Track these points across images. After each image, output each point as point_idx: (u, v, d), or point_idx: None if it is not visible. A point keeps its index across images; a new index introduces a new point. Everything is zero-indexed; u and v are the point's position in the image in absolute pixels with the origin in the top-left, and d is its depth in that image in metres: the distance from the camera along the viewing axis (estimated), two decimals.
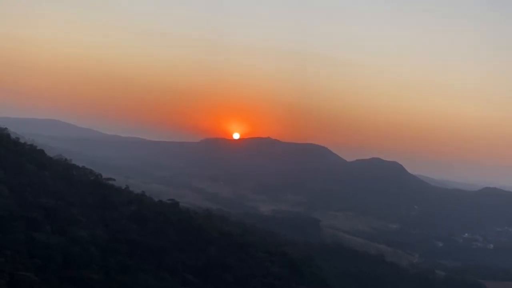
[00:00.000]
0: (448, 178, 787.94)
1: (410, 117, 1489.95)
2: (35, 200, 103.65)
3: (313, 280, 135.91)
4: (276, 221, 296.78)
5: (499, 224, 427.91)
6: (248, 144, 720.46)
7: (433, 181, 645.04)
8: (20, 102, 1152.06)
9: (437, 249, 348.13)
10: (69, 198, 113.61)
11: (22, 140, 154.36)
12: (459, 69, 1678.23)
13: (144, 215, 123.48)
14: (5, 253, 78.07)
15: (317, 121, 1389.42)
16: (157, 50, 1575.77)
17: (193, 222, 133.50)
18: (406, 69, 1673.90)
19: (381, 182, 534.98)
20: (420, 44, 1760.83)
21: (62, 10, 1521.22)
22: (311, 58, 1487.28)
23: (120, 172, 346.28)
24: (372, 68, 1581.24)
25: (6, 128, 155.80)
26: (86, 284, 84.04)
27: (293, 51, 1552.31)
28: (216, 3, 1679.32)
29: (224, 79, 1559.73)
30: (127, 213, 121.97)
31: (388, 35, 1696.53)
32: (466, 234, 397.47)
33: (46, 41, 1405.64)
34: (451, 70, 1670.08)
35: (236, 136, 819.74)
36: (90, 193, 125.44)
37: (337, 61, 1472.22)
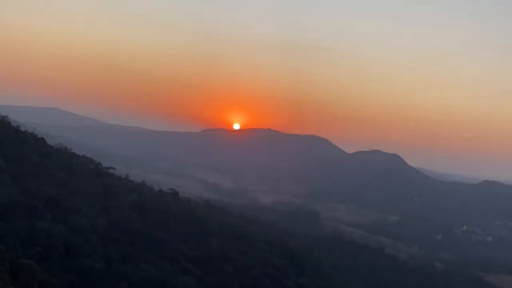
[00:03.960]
0: (448, 171, 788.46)
1: (411, 109, 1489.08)
2: (36, 189, 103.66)
3: (313, 272, 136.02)
4: (277, 212, 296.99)
5: (498, 217, 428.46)
6: (248, 135, 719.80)
7: (433, 174, 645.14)
8: (21, 90, 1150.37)
9: (436, 241, 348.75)
10: (70, 187, 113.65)
11: (23, 129, 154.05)
12: (459, 63, 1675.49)
13: (145, 205, 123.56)
14: (7, 241, 78.21)
15: (317, 112, 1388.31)
16: (159, 40, 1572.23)
17: (194, 213, 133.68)
18: (407, 62, 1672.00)
19: (381, 174, 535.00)
20: (420, 36, 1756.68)
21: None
22: (312, 49, 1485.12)
23: (121, 162, 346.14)
24: (373, 60, 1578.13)
25: (6, 116, 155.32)
26: (87, 273, 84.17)
27: (293, 42, 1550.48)
28: None
29: (225, 70, 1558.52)
30: (128, 202, 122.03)
31: (388, 26, 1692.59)
32: (465, 227, 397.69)
33: (49, 30, 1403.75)
34: (452, 64, 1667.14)
35: (236, 126, 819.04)
36: (92, 183, 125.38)
37: (338, 53, 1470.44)
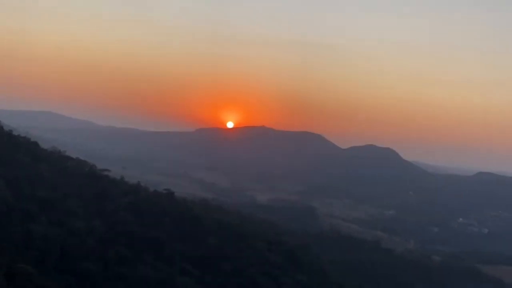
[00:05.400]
0: (443, 163, 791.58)
1: (404, 104, 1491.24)
2: (31, 193, 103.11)
3: (311, 268, 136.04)
4: (273, 210, 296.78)
5: (493, 208, 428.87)
6: (242, 133, 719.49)
7: (428, 167, 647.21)
8: (13, 94, 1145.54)
9: (432, 234, 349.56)
10: (65, 190, 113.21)
11: (16, 133, 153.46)
12: (451, 55, 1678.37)
13: (141, 206, 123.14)
14: (2, 245, 77.70)
15: (311, 108, 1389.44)
16: (151, 40, 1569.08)
17: (190, 212, 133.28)
18: (400, 56, 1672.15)
19: (376, 169, 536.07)
20: (414, 31, 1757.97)
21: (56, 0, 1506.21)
22: (304, 46, 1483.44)
23: (115, 163, 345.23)
24: (365, 55, 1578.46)
25: None
26: (85, 276, 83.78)
27: (284, 39, 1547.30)
28: None
29: (217, 68, 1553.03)
30: (124, 204, 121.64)
31: (383, 23, 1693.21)
32: (461, 219, 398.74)
33: (40, 32, 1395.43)
34: (444, 57, 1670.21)
35: (230, 125, 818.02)
36: (86, 185, 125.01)
37: (330, 48, 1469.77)
